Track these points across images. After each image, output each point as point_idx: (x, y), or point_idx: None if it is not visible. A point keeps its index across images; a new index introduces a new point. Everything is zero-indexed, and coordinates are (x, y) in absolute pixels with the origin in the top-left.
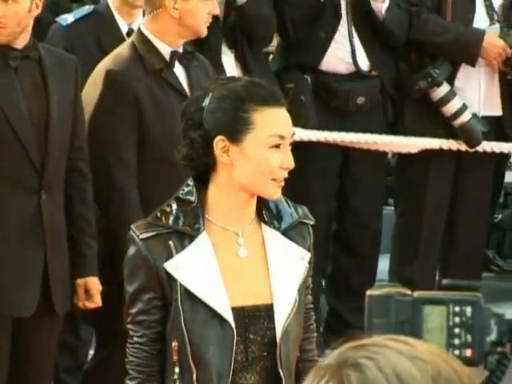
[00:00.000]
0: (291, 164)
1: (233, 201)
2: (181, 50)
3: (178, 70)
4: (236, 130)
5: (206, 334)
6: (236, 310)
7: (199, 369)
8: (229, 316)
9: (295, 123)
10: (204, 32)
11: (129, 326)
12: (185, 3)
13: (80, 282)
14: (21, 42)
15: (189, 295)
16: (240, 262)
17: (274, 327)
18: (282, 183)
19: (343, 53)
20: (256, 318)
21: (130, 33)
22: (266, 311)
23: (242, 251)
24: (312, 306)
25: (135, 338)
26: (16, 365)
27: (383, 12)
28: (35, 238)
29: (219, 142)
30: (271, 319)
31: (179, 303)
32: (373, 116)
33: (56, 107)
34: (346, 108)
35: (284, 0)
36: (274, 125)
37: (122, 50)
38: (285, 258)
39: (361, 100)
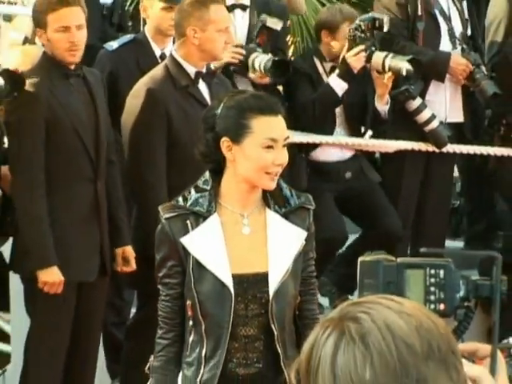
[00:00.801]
0: (283, 160)
1: (239, 189)
2: (204, 70)
3: (202, 86)
4: (237, 133)
5: (211, 295)
6: (237, 277)
7: (206, 322)
8: (228, 282)
9: None
10: (221, 56)
11: (158, 286)
12: (203, 33)
13: (118, 250)
14: (70, 57)
15: (198, 265)
16: (243, 238)
17: (269, 290)
18: (276, 176)
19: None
20: (254, 282)
21: (162, 56)
22: (263, 277)
23: (246, 229)
24: (314, 273)
25: (162, 297)
26: (76, 320)
27: (386, 112)
28: (94, 218)
29: (224, 142)
30: (267, 283)
31: (191, 271)
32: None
33: (101, 113)
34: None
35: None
36: (267, 130)
37: (158, 70)
38: (283, 236)
39: (348, 175)
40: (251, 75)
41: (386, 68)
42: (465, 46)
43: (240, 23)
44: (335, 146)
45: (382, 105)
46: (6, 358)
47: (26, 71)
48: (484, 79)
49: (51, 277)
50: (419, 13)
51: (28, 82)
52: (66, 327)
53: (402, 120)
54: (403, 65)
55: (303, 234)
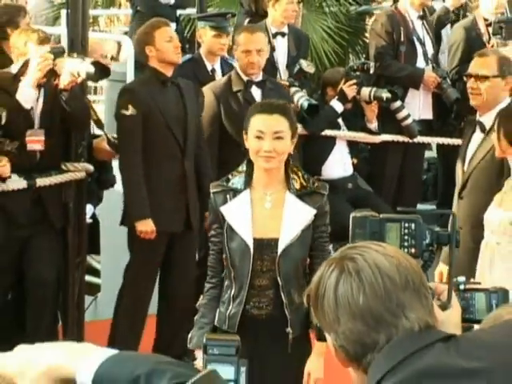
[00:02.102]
0: (269, 148)
1: (259, 172)
2: (259, 78)
3: (255, 91)
4: (246, 127)
5: (237, 252)
6: (257, 240)
7: (234, 271)
8: (250, 243)
9: None
10: (247, 72)
11: (209, 243)
12: (236, 53)
13: (206, 214)
14: (170, 71)
15: (230, 228)
16: (265, 210)
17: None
18: (268, 160)
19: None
20: (269, 245)
21: (212, 71)
22: (276, 241)
23: (268, 204)
24: (326, 243)
25: (210, 251)
26: (168, 262)
27: (376, 128)
28: (181, 186)
29: (244, 135)
30: (277, 246)
31: (225, 232)
32: (356, 125)
33: (190, 112)
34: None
35: None
36: (258, 124)
37: (222, 78)
38: (295, 212)
39: (350, 185)
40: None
41: (372, 98)
42: (434, 65)
43: (281, 47)
44: (338, 153)
45: (372, 124)
46: (97, 288)
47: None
48: (449, 88)
49: (145, 227)
50: (402, 39)
51: (130, 84)
52: (154, 265)
53: (385, 118)
54: (384, 94)
55: (312, 211)
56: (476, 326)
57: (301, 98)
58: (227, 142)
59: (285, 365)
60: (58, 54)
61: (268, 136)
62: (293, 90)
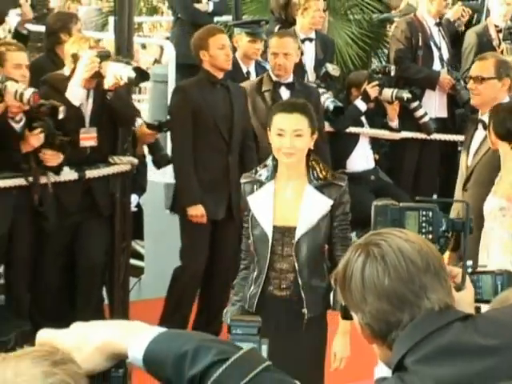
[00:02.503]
0: (286, 146)
1: (281, 165)
2: (288, 80)
3: (284, 92)
4: (269, 125)
5: (258, 238)
6: (277, 227)
7: (256, 255)
8: (269, 231)
9: None
10: (276, 73)
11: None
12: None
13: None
14: (221, 75)
15: (254, 216)
16: (286, 200)
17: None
18: (289, 156)
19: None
20: (288, 232)
21: (247, 73)
22: (294, 229)
23: (289, 195)
24: (345, 230)
25: (243, 236)
26: (213, 248)
27: (397, 125)
28: (225, 178)
29: (268, 131)
30: (295, 234)
31: (250, 220)
32: (378, 123)
33: (236, 111)
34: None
35: None
36: (278, 122)
37: (256, 79)
38: (313, 202)
39: (372, 177)
40: None
41: (394, 98)
42: (449, 67)
43: (308, 52)
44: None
45: (393, 122)
46: (141, 270)
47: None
48: (462, 89)
49: (196, 211)
50: (419, 44)
51: (184, 84)
52: (203, 247)
53: (404, 116)
54: (405, 94)
55: (329, 202)
56: (483, 306)
57: (327, 100)
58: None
59: (300, 343)
60: (103, 57)
61: (288, 134)
62: (320, 91)
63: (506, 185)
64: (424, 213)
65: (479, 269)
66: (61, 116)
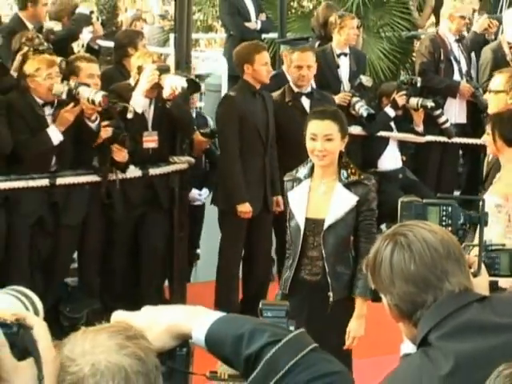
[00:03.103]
0: (318, 148)
1: (316, 166)
2: (308, 90)
3: (304, 100)
4: (305, 130)
5: (293, 229)
6: (309, 220)
7: (292, 244)
8: (301, 223)
9: None
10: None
11: None
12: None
13: (278, 197)
14: (259, 86)
15: (291, 210)
16: (319, 196)
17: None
18: (321, 158)
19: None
20: (319, 224)
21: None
22: (323, 221)
23: (321, 191)
24: (370, 225)
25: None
26: (250, 239)
27: (422, 130)
28: (262, 177)
29: (305, 136)
30: (324, 225)
31: (288, 213)
32: (405, 128)
33: (270, 116)
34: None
35: None
36: (311, 128)
37: (279, 91)
38: (341, 198)
39: (400, 176)
40: (352, 111)
41: (419, 106)
42: (468, 78)
43: (344, 65)
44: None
45: (419, 127)
46: (197, 256)
47: (232, 89)
48: (481, 96)
49: (245, 208)
50: (441, 58)
51: (231, 93)
52: (241, 238)
53: (428, 122)
54: (429, 103)
55: (355, 198)
56: (501, 280)
57: (361, 108)
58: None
59: (326, 324)
60: (163, 70)
61: (320, 138)
62: (354, 99)
63: (502, 185)
64: (444, 208)
65: (497, 247)
66: (129, 116)
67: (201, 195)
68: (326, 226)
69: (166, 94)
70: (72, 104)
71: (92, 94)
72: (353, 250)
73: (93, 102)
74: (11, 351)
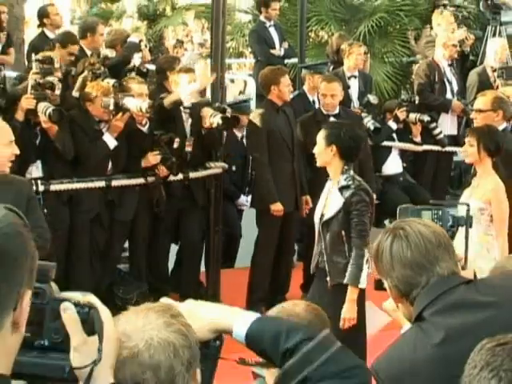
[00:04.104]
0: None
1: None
2: (335, 112)
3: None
4: None
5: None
6: (322, 216)
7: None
8: (317, 217)
9: None
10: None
11: None
12: None
13: (306, 197)
14: (281, 103)
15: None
16: (328, 196)
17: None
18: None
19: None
20: (325, 219)
21: (314, 102)
22: (324, 216)
23: (329, 192)
24: (355, 222)
25: None
26: (282, 235)
27: (419, 141)
28: (292, 180)
29: None
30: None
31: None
32: (405, 138)
33: (293, 128)
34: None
35: None
36: None
37: (310, 112)
38: (334, 199)
39: (400, 179)
40: None
41: (417, 120)
42: (459, 97)
43: (353, 86)
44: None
45: (417, 138)
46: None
47: (259, 107)
48: (471, 112)
49: (277, 207)
50: (436, 80)
51: (260, 110)
52: (274, 235)
53: (425, 133)
54: (425, 118)
55: (342, 200)
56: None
57: (368, 122)
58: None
59: (324, 303)
60: (203, 105)
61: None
62: (363, 115)
63: (483, 190)
64: (435, 211)
65: None
66: (175, 145)
67: (248, 201)
68: (322, 221)
69: (205, 124)
70: (121, 113)
71: (139, 102)
72: (347, 243)
73: (140, 110)
74: (82, 327)
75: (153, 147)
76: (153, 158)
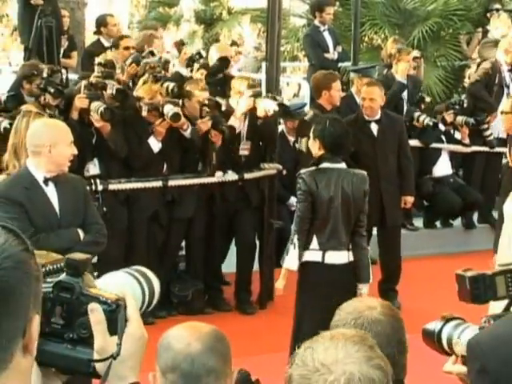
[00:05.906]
0: None
1: None
2: (377, 117)
3: (373, 126)
4: None
5: None
6: None
7: None
8: None
9: None
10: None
11: None
12: None
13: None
14: (329, 108)
15: None
16: None
17: None
18: None
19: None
20: None
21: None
22: None
23: None
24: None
25: None
26: None
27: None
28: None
29: None
30: None
31: None
32: (454, 140)
33: None
34: None
35: None
36: None
37: (352, 116)
38: None
39: (451, 180)
40: (415, 123)
41: (463, 123)
42: None
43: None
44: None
45: (465, 140)
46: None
47: (310, 110)
48: None
49: None
50: (496, 82)
51: (314, 113)
52: None
53: (475, 135)
54: (471, 121)
55: None
56: None
57: (425, 119)
58: None
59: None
60: (256, 95)
61: None
62: (416, 114)
63: None
64: (509, 275)
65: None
66: (223, 108)
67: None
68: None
69: (260, 113)
70: (161, 119)
71: (169, 109)
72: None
73: (167, 116)
74: (108, 325)
75: (201, 115)
76: (204, 124)
